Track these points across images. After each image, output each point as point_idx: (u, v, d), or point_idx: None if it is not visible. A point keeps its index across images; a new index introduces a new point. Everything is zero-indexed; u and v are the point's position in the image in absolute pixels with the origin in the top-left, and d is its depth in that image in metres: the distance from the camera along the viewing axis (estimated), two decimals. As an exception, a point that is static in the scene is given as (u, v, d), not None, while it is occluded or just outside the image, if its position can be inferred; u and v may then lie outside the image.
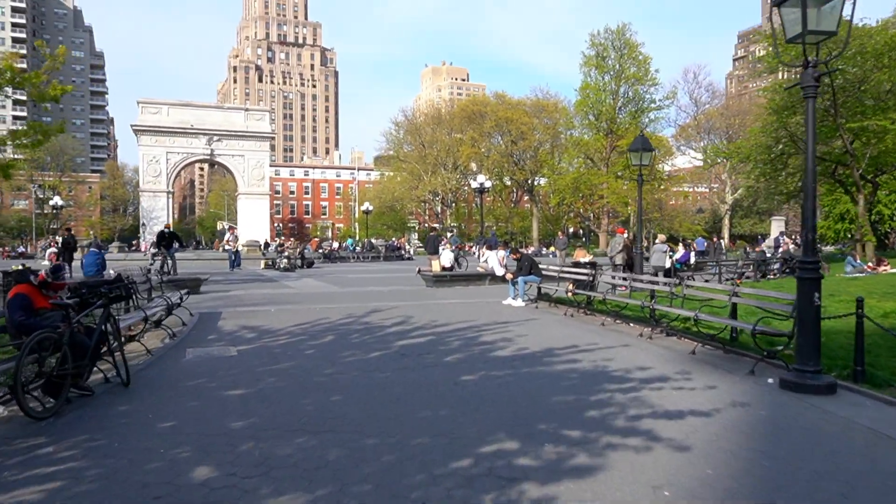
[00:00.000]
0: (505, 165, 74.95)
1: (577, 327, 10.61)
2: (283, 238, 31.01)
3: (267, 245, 29.64)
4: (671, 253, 24.60)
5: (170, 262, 17.40)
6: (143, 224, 70.81)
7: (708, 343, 8.40)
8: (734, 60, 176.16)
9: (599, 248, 68.68)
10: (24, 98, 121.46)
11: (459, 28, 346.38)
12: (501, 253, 19.40)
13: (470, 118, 76.93)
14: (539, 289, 13.91)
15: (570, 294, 13.08)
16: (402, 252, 43.79)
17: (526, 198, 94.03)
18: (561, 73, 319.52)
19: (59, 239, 20.80)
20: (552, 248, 50.44)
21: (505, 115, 72.34)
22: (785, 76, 36.06)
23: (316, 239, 36.46)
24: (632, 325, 10.57)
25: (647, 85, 68.11)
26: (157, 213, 70.87)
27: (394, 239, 49.40)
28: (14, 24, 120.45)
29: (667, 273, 17.38)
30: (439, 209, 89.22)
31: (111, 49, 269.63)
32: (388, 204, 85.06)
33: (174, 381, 6.60)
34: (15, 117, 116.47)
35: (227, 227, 26.21)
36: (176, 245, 18.59)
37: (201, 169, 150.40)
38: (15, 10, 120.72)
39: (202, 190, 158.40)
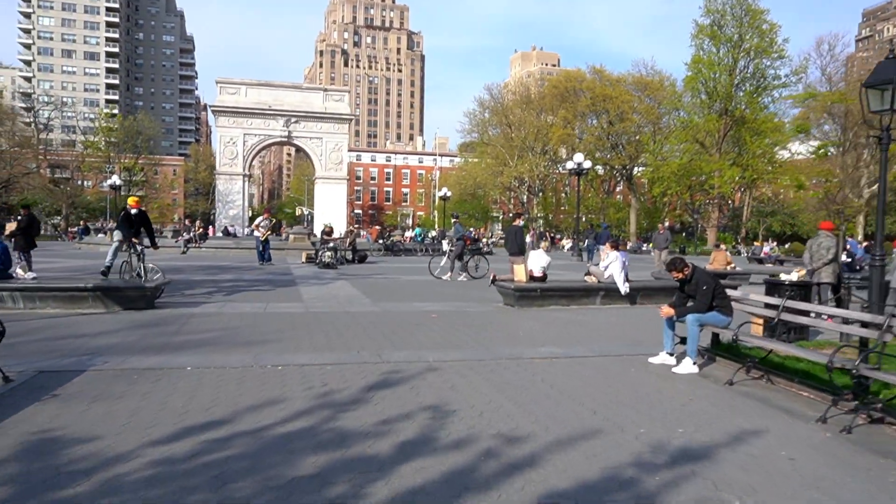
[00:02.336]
0: (600, 149, 66.83)
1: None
2: (327, 226, 24.68)
3: (328, 233, 23.62)
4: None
5: (135, 258, 11.81)
6: (217, 207, 68.45)
7: None
8: (857, 41, 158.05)
9: (708, 246, 59.78)
10: (116, 82, 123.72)
11: (551, 17, 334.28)
12: (615, 257, 12.65)
13: (562, 97, 69.22)
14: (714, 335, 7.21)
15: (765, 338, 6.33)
16: (481, 245, 37.47)
17: (619, 188, 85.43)
18: (659, 61, 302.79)
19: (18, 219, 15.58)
20: (651, 245, 42.82)
21: (602, 92, 64.25)
22: None
23: (377, 227, 30.52)
24: None
25: (772, 58, 58.28)
26: (233, 196, 67.97)
27: (472, 229, 42.92)
28: (108, 9, 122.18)
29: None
30: (525, 198, 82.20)
31: (201, 34, 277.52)
32: (470, 191, 78.74)
33: None
34: (108, 99, 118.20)
35: (265, 215, 20.08)
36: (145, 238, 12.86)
37: (289, 154, 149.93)
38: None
39: (289, 176, 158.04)
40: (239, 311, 10.35)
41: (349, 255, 24.60)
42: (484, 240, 40.33)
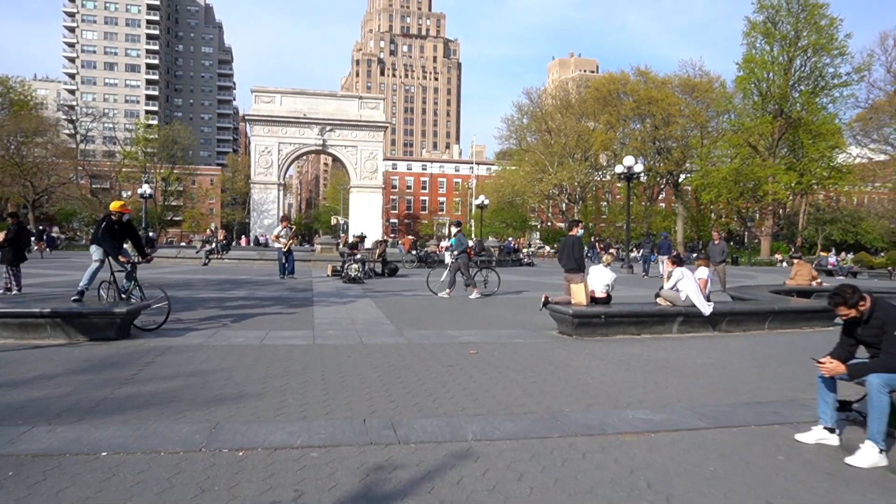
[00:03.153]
0: (645, 154, 63.78)
1: None
2: (355, 236, 22.51)
3: (354, 244, 21.48)
4: None
5: (124, 276, 9.81)
6: (252, 217, 67.51)
7: None
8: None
9: (763, 257, 56.18)
10: (156, 93, 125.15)
11: (588, 25, 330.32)
12: (683, 274, 10.23)
13: (604, 101, 66.50)
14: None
15: None
16: (521, 255, 35.13)
17: (661, 195, 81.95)
18: (705, 63, 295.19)
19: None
20: (704, 252, 39.53)
21: (647, 94, 61.33)
22: None
23: (409, 237, 28.42)
24: None
25: (831, 55, 54.58)
26: (268, 205, 67.12)
27: (510, 239, 40.50)
28: (149, 21, 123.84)
29: None
30: (563, 206, 79.48)
31: (239, 45, 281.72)
32: (508, 199, 76.31)
33: None
34: (148, 110, 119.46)
35: (283, 224, 17.93)
36: (129, 248, 10.91)
37: (325, 164, 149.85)
38: (150, 7, 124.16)
39: (325, 186, 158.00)
40: (228, 344, 8.24)
41: (379, 268, 22.53)
42: (524, 250, 37.82)
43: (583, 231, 11.39)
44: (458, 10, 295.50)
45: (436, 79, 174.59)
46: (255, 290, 15.65)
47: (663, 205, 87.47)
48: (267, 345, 8.27)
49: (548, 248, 70.33)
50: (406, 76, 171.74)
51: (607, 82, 66.79)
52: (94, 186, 78.65)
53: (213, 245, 26.50)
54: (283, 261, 19.74)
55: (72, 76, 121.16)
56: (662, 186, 74.04)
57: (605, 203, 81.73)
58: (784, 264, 45.88)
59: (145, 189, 44.53)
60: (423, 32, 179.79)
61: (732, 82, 58.39)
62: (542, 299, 10.25)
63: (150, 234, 29.98)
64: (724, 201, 59.59)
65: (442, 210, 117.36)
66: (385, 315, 11.47)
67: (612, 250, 31.87)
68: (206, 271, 23.20)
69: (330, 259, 24.31)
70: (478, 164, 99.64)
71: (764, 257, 55.39)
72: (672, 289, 10.27)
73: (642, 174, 73.76)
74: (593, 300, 10.01)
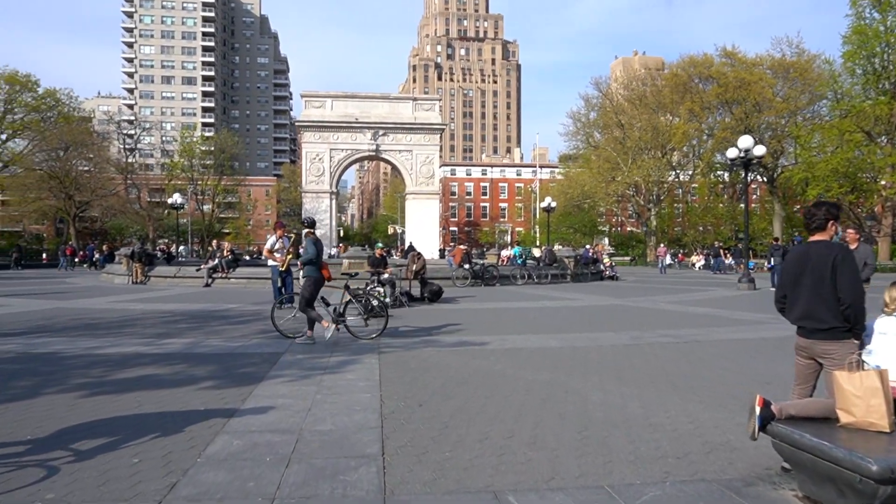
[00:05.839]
0: (733, 146, 55.77)
1: None
2: (381, 249, 16.31)
3: (380, 259, 15.34)
4: None
5: None
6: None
7: None
8: None
9: (882, 261, 47.34)
10: (212, 105, 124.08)
11: (649, 26, 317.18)
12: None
13: (684, 88, 58.88)
14: None
15: None
16: (602, 267, 28.55)
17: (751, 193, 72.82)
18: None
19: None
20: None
21: (736, 77, 53.50)
22: None
23: (461, 248, 22.38)
24: None
25: (965, 19, 45.77)
26: (320, 215, 62.63)
27: (587, 247, 33.90)
28: (205, 34, 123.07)
29: None
30: (635, 208, 71.88)
31: (295, 56, 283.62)
32: (575, 202, 69.27)
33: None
34: (204, 122, 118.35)
35: (278, 232, 11.91)
36: None
37: (385, 173, 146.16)
38: (206, 19, 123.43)
39: (385, 195, 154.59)
40: None
41: (414, 292, 16.69)
42: (606, 260, 31.13)
43: (836, 235, 4.46)
44: (514, 17, 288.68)
45: (494, 81, 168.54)
46: (206, 337, 10.03)
47: (755, 205, 78.18)
48: None
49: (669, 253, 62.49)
50: (464, 80, 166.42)
51: (689, 65, 59.02)
52: (150, 200, 76.44)
53: (217, 262, 21.36)
54: (280, 283, 14.15)
55: (130, 91, 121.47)
56: (749, 182, 65.44)
57: (682, 205, 73.23)
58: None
59: (176, 198, 40.37)
60: (481, 35, 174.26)
61: (840, 57, 50.00)
62: (757, 408, 4.00)
63: (147, 248, 25.21)
64: (834, 197, 51.03)
65: (503, 216, 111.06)
66: (379, 413, 5.55)
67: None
68: (187, 297, 17.91)
69: (360, 277, 18.64)
70: (541, 167, 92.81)
71: (883, 261, 46.64)
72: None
73: (718, 172, 65.72)
74: None
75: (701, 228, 68.32)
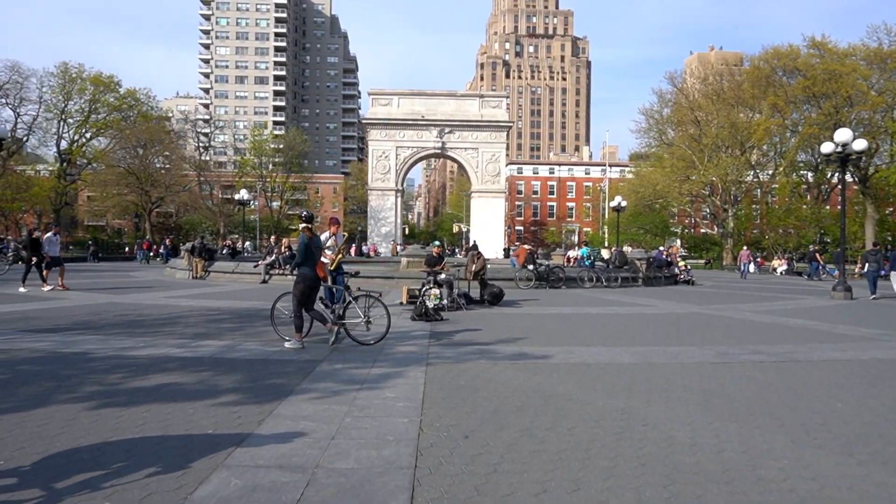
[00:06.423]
0: (821, 144, 52.11)
1: None
2: (438, 247, 15.05)
3: (436, 258, 14.39)
4: None
5: None
6: (370, 224, 63.73)
7: None
8: None
9: None
10: (283, 104, 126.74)
11: (725, 20, 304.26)
12: None
13: (767, 81, 55.47)
14: None
15: None
16: (677, 270, 26.66)
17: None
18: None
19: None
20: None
21: (826, 69, 49.91)
22: None
23: (525, 247, 21.19)
24: None
25: None
26: (385, 213, 63.09)
27: (661, 248, 31.98)
28: (277, 34, 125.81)
29: None
30: (708, 207, 68.48)
31: (363, 55, 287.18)
32: (647, 201, 66.53)
33: None
34: (275, 121, 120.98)
35: (332, 229, 11.08)
36: None
37: (451, 171, 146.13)
38: (278, 20, 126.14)
39: (451, 194, 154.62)
40: None
41: (477, 292, 15.68)
42: (681, 263, 29.20)
43: None
44: (584, 13, 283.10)
45: (563, 79, 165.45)
46: (244, 340, 9.34)
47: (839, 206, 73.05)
48: None
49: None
50: (532, 77, 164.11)
51: (771, 58, 55.50)
52: (222, 197, 78.52)
53: (275, 258, 20.98)
54: (331, 283, 13.42)
55: (206, 91, 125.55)
56: (840, 182, 61.08)
57: (760, 206, 69.06)
58: None
59: (242, 194, 40.80)
60: (550, 32, 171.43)
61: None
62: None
63: (208, 243, 25.22)
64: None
65: (570, 216, 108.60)
66: (415, 446, 4.57)
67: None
68: (241, 294, 17.50)
69: (412, 275, 17.83)
70: (610, 165, 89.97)
71: None
72: None
73: (802, 172, 61.52)
74: None
75: (781, 231, 64.35)
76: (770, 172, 63.07)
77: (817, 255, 37.15)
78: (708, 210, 70.33)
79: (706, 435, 5.00)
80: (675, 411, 5.71)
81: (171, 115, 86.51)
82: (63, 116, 58.87)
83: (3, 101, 54.27)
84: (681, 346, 9.75)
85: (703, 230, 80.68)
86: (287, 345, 8.70)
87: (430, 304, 12.64)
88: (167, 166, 66.39)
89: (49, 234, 17.85)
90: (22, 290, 16.81)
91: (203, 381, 6.51)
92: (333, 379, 6.75)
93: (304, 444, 4.55)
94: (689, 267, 28.28)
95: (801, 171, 62.65)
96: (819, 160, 58.63)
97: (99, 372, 6.87)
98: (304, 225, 9.31)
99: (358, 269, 13.14)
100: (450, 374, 7.17)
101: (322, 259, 14.17)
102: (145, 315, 12.34)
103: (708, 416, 5.55)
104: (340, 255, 13.47)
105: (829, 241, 62.02)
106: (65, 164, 60.90)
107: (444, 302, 13.59)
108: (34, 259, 17.03)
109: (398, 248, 55.95)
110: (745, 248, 39.69)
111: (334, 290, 13.58)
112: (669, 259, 27.37)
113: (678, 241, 78.91)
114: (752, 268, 38.44)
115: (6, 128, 51.21)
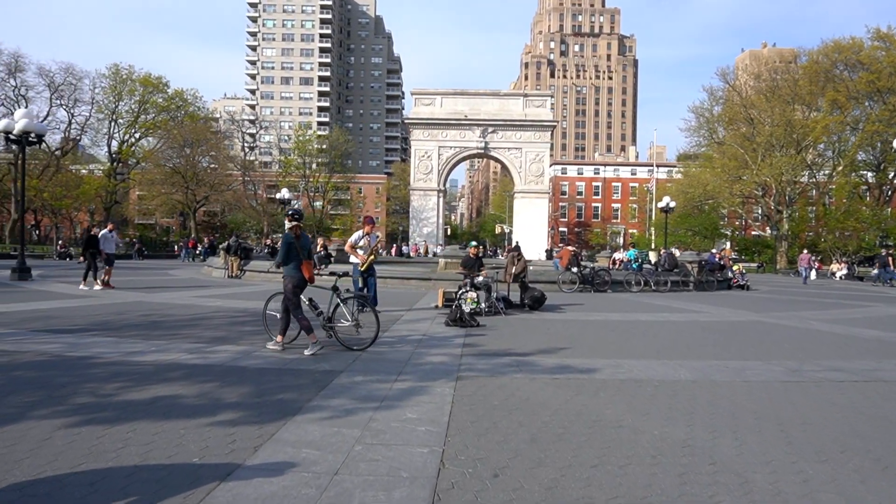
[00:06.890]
0: (886, 142, 49.30)
1: None
2: (476, 247, 14.03)
3: (473, 260, 13.56)
4: None
5: None
6: (412, 224, 63.46)
7: None
8: None
9: None
10: (327, 105, 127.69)
11: (778, 17, 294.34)
12: None
13: (826, 76, 52.87)
14: None
15: None
16: (730, 274, 25.21)
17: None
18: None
19: None
20: None
21: (892, 62, 47.25)
22: None
23: (569, 249, 20.19)
24: None
25: None
26: (427, 213, 62.65)
27: (713, 251, 30.40)
28: (322, 35, 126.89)
29: None
30: (760, 209, 65.71)
31: (406, 55, 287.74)
32: (696, 202, 64.22)
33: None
34: (320, 121, 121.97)
35: (367, 227, 10.43)
36: None
37: (495, 172, 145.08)
38: (323, 21, 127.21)
39: (494, 194, 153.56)
40: None
41: (517, 295, 14.79)
42: (736, 267, 27.64)
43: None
44: (631, 11, 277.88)
45: (609, 78, 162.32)
46: (263, 345, 8.68)
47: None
48: None
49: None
50: (577, 77, 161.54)
51: (831, 52, 52.84)
52: (267, 196, 79.37)
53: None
54: (361, 283, 12.74)
55: (252, 92, 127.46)
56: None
57: (816, 207, 65.82)
58: None
59: (284, 193, 40.78)
60: (596, 30, 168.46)
61: None
62: None
63: (244, 242, 24.88)
64: None
65: (616, 217, 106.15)
66: (433, 488, 3.78)
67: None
68: (260, 295, 17.04)
69: (448, 277, 17.05)
70: (658, 165, 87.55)
71: None
72: None
73: (863, 172, 58.29)
74: None
75: (838, 234, 61.29)
76: (827, 172, 60.16)
77: (890, 258, 34.93)
78: (760, 211, 67.57)
79: (791, 480, 4.07)
80: (748, 445, 4.78)
81: (217, 115, 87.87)
82: (114, 117, 60.17)
83: (59, 102, 55.71)
84: (743, 359, 8.70)
85: (754, 232, 77.66)
86: (307, 352, 8.01)
87: (465, 309, 11.84)
88: (213, 166, 67.29)
89: (104, 231, 17.76)
90: (83, 287, 16.80)
91: (205, 395, 5.85)
92: (350, 395, 6.01)
93: (299, 482, 3.80)
94: (743, 271, 26.70)
95: (861, 171, 59.56)
96: (881, 159, 55.66)
97: (96, 380, 6.29)
98: (291, 223, 8.51)
99: (346, 271, 12.39)
100: (482, 390, 6.36)
101: (352, 259, 13.58)
102: (168, 315, 11.87)
103: (789, 454, 4.60)
104: (373, 257, 12.81)
105: (891, 244, 58.72)
106: (116, 164, 62.27)
107: (482, 306, 12.78)
108: (93, 256, 16.97)
109: (430, 247, 55.37)
110: (804, 250, 37.54)
111: (365, 291, 12.96)
112: (722, 262, 25.89)
113: (728, 244, 76.20)
114: (812, 274, 36.33)
115: (59, 128, 52.43)
